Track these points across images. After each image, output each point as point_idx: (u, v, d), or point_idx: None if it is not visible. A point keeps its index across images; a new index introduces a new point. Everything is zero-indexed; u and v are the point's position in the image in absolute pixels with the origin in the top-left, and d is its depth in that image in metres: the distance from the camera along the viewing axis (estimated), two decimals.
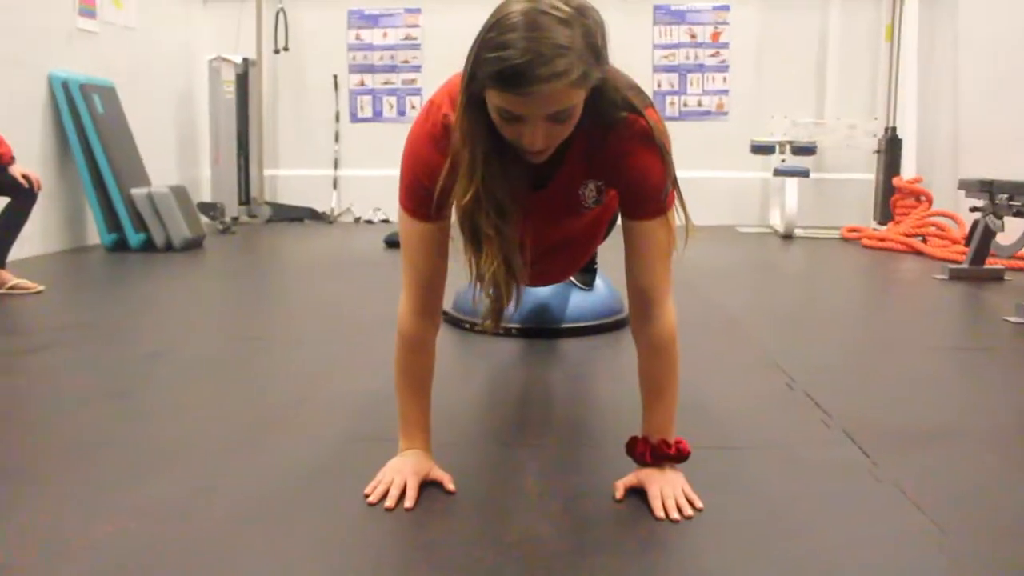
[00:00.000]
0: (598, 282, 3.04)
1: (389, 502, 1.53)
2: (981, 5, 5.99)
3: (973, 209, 4.19)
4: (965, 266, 4.30)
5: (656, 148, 1.56)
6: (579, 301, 2.94)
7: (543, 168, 1.50)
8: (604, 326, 2.91)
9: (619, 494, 1.58)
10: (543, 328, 2.85)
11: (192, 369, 2.54)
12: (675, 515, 1.50)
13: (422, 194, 1.56)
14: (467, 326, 2.96)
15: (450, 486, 1.60)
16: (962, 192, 4.35)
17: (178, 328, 3.18)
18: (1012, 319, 3.19)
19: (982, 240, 4.17)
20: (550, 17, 1.26)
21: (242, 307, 3.77)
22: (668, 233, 1.64)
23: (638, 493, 1.58)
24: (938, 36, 6.52)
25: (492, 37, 1.28)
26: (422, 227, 1.62)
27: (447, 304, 3.18)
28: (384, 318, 3.25)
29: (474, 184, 1.44)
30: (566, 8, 1.28)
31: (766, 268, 5.13)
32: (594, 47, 1.32)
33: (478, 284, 1.56)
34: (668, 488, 1.56)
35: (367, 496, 1.55)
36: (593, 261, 3.01)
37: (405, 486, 1.56)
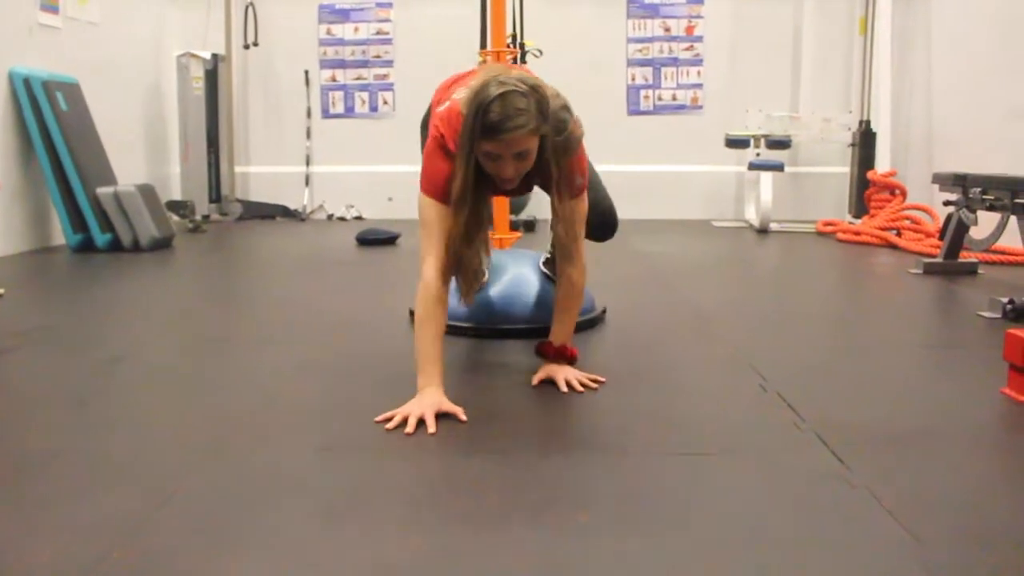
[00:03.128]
0: None
1: (408, 428, 1.90)
2: (954, 2, 5.98)
3: (947, 203, 4.18)
4: (939, 260, 4.29)
5: (581, 155, 2.29)
6: (546, 298, 2.88)
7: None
8: (576, 326, 2.86)
9: (535, 381, 2.29)
10: (510, 328, 2.79)
11: (154, 374, 2.47)
12: (579, 388, 2.23)
13: (442, 187, 2.18)
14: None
15: (462, 417, 1.99)
16: (936, 185, 4.34)
17: (142, 331, 3.11)
18: (985, 314, 3.18)
19: (956, 234, 4.16)
20: (513, 92, 2.01)
21: (209, 308, 3.69)
22: (583, 208, 2.34)
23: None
24: (911, 30, 6.52)
25: (480, 108, 2.00)
26: (441, 207, 2.21)
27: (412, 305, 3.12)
28: (354, 318, 3.21)
29: (462, 210, 2.15)
30: (524, 86, 2.02)
31: (741, 263, 5.11)
32: (543, 111, 2.05)
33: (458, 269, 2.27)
34: (570, 374, 2.28)
35: (384, 423, 1.93)
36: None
37: (423, 417, 1.95)
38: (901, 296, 3.85)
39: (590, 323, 2.96)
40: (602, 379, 2.29)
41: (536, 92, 2.04)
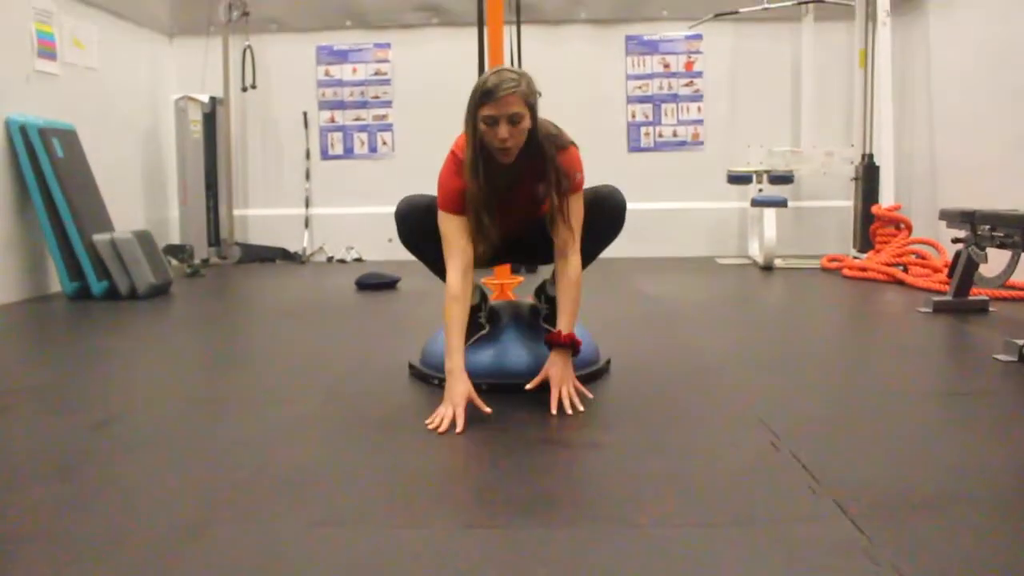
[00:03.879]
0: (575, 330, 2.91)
1: (442, 428, 2.36)
2: (952, 33, 5.96)
3: (956, 240, 4.10)
4: (949, 298, 4.20)
5: (573, 155, 2.66)
6: (546, 354, 2.79)
7: (514, 176, 2.61)
8: (578, 377, 2.77)
9: (533, 384, 2.61)
10: (513, 383, 2.70)
11: (142, 439, 2.38)
12: (568, 409, 2.51)
13: (456, 201, 2.60)
14: (436, 382, 2.81)
15: (486, 409, 2.45)
16: (942, 217, 4.26)
17: (134, 388, 3.03)
18: (1001, 357, 3.09)
19: (965, 271, 4.08)
20: (506, 71, 2.52)
21: (203, 361, 3.61)
22: (580, 205, 2.68)
23: None
24: (911, 63, 6.48)
25: (479, 84, 2.49)
26: (457, 218, 2.62)
27: (415, 358, 3.04)
28: (352, 373, 3.12)
29: (475, 179, 2.55)
30: (515, 72, 2.52)
31: (746, 304, 5.02)
32: (531, 90, 2.51)
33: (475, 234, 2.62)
34: (565, 388, 2.57)
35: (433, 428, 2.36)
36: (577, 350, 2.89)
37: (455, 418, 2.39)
38: (912, 337, 3.76)
39: (595, 375, 2.87)
40: (590, 395, 2.64)
41: (524, 75, 2.52)
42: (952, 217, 4.08)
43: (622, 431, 2.35)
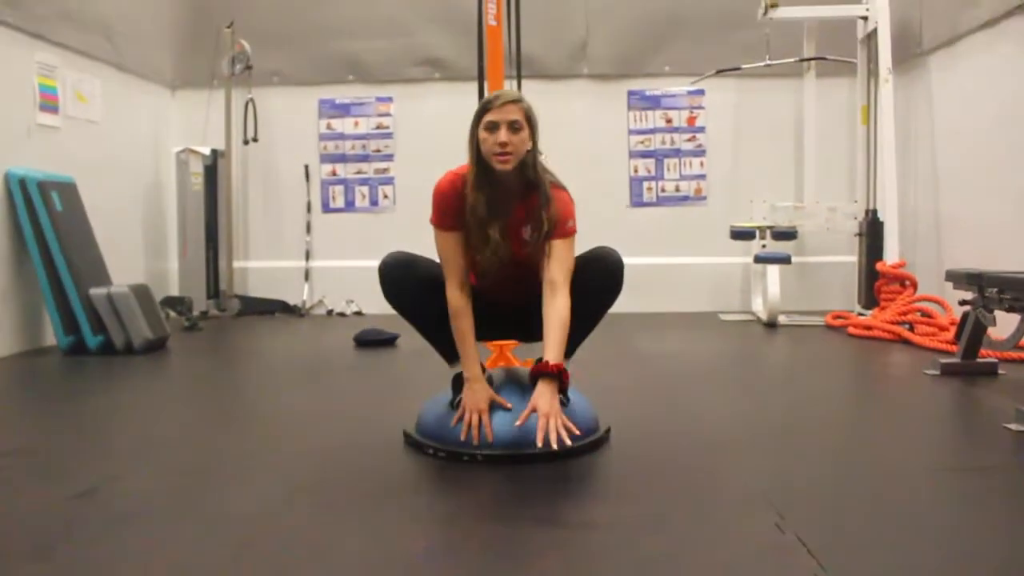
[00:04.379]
0: (572, 397, 2.83)
1: (472, 433, 2.63)
2: (955, 89, 5.95)
3: (963, 302, 4.03)
4: (957, 360, 4.12)
5: (568, 199, 2.81)
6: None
7: (509, 203, 2.74)
8: (578, 449, 2.69)
9: (521, 420, 2.61)
10: (512, 455, 2.63)
11: (125, 514, 2.30)
12: (554, 444, 2.52)
13: (449, 214, 2.74)
14: (430, 452, 2.73)
15: (508, 405, 2.71)
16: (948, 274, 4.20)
17: (122, 453, 2.95)
18: (1012, 427, 3.01)
19: (973, 334, 4.01)
20: (510, 91, 2.87)
21: (195, 424, 3.53)
22: (571, 250, 2.78)
23: None
24: (914, 119, 6.47)
25: (483, 101, 2.74)
26: (451, 234, 2.76)
27: (409, 428, 2.95)
28: (347, 439, 3.02)
29: (478, 193, 2.69)
30: (518, 93, 2.90)
31: (750, 365, 4.93)
32: (532, 113, 2.71)
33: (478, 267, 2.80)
34: (552, 420, 2.57)
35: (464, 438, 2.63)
36: (565, 381, 2.82)
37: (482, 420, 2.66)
38: (920, 404, 3.67)
39: (595, 445, 2.79)
40: (577, 431, 2.63)
41: (527, 103, 2.72)
42: (959, 279, 4.02)
43: (621, 509, 2.26)
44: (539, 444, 2.52)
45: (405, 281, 2.81)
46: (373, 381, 4.37)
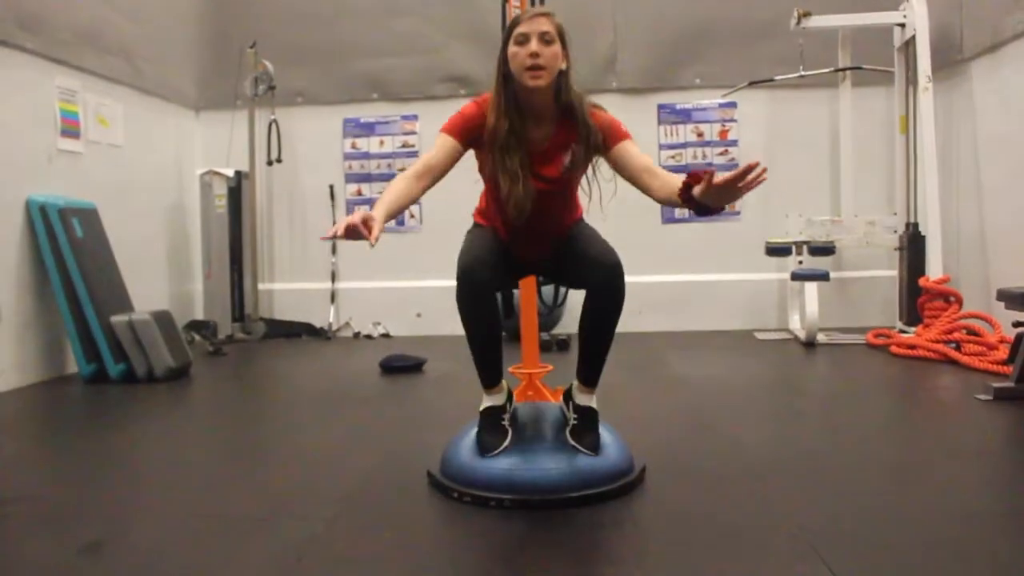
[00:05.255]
0: (604, 437, 2.67)
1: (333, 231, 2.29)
2: (998, 96, 5.72)
3: (1016, 324, 3.83)
4: (1011, 385, 3.91)
5: (610, 115, 2.68)
6: (580, 463, 2.56)
7: (543, 135, 2.64)
8: (611, 492, 2.53)
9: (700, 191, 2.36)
10: (541, 500, 2.47)
11: (132, 568, 2.17)
12: (763, 174, 2.27)
13: (460, 126, 2.64)
14: (455, 495, 2.58)
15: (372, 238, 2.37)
16: (994, 284, 3.99)
17: (135, 497, 2.83)
18: None
19: None
20: (542, 10, 2.64)
21: (213, 462, 3.40)
22: (637, 147, 2.66)
23: None
24: (955, 128, 6.25)
25: (511, 21, 2.64)
26: (447, 139, 2.64)
27: (433, 467, 2.80)
28: (368, 481, 2.86)
29: (502, 118, 2.59)
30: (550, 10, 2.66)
31: (789, 389, 4.71)
32: (565, 30, 2.59)
33: (503, 200, 2.62)
34: (752, 169, 2.25)
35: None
36: (596, 421, 2.66)
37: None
38: (974, 435, 3.45)
39: (628, 488, 2.62)
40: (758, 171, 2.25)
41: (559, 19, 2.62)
42: (1012, 299, 3.82)
43: (656, 563, 2.10)
44: (760, 177, 2.23)
45: (485, 288, 2.61)
46: (398, 411, 4.22)
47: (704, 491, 2.70)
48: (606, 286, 2.58)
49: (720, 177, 2.29)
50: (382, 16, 7.09)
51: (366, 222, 2.29)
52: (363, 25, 7.13)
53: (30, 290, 5.07)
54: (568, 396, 2.78)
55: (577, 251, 2.70)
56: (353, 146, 7.25)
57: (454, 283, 2.60)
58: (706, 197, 2.35)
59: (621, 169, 2.63)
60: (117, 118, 6.08)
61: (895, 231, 6.37)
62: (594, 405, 2.73)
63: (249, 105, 6.96)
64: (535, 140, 2.63)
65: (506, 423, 2.72)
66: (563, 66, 2.56)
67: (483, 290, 2.60)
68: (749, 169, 2.23)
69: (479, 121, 2.63)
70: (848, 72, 6.58)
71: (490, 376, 2.75)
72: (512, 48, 2.55)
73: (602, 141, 2.61)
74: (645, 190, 2.58)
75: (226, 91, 7.09)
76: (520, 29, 2.54)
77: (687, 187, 2.38)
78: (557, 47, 2.54)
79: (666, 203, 2.56)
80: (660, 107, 7.03)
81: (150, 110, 6.60)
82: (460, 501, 2.56)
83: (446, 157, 2.62)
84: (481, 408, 2.76)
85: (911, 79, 6.22)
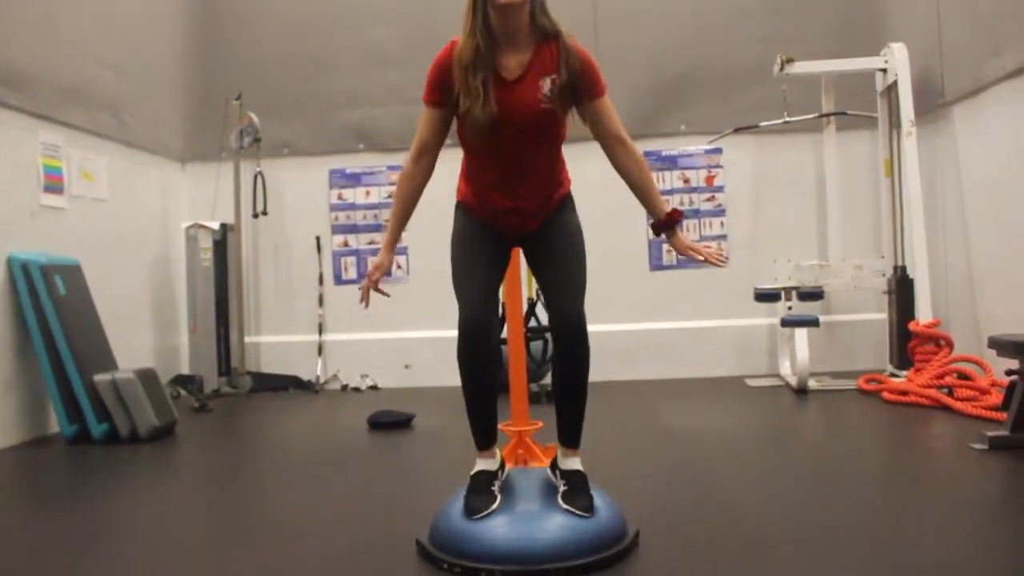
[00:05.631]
0: (597, 500, 2.62)
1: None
2: (981, 139, 5.74)
3: (1009, 372, 3.80)
4: (1006, 433, 3.87)
5: (588, 53, 2.64)
6: (569, 531, 2.49)
7: (517, 62, 2.60)
8: (605, 560, 2.46)
9: (681, 250, 2.74)
10: (530, 571, 2.40)
11: None
12: (723, 264, 2.74)
13: (434, 83, 2.66)
14: (444, 566, 2.51)
15: (386, 293, 2.78)
16: (985, 327, 3.96)
17: (115, 572, 2.74)
18: None
19: (1022, 406, 3.76)
20: None
21: (193, 531, 3.31)
22: (612, 107, 2.69)
23: None
24: (939, 170, 6.27)
25: None
26: (431, 111, 2.69)
27: (423, 535, 2.73)
28: (352, 552, 2.78)
29: (469, 39, 2.57)
30: None
31: (783, 441, 4.61)
32: None
33: (462, 120, 2.65)
34: (706, 249, 2.73)
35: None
36: (586, 484, 2.61)
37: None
38: (972, 488, 3.38)
39: (621, 556, 2.56)
40: (724, 259, 2.73)
41: None
42: (1004, 347, 3.79)
43: None
44: (717, 262, 2.69)
45: (484, 347, 2.65)
46: (387, 473, 4.13)
47: (701, 559, 2.63)
48: (567, 344, 2.66)
49: (684, 245, 2.71)
50: (367, 67, 7.11)
51: (372, 276, 2.72)
52: (348, 76, 7.15)
53: (11, 349, 5.00)
54: (554, 466, 2.75)
55: (549, 257, 2.77)
56: (339, 197, 7.23)
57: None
58: (667, 239, 2.74)
59: (594, 126, 2.70)
60: (101, 172, 6.05)
61: (883, 274, 6.37)
62: (580, 467, 2.70)
63: (235, 157, 6.95)
64: (509, 67, 2.61)
65: (496, 489, 2.66)
66: None
67: (484, 347, 2.63)
68: (711, 257, 2.68)
69: (450, 63, 2.62)
70: (832, 117, 6.61)
71: (484, 438, 2.72)
72: None
73: (586, 82, 2.62)
74: (611, 158, 2.73)
75: (212, 143, 7.08)
76: None
77: (660, 220, 2.73)
78: None
79: (624, 180, 2.76)
80: (646, 154, 6.97)
81: (135, 163, 6.58)
82: (450, 572, 2.49)
83: (435, 131, 2.70)
84: (472, 472, 2.71)
85: (895, 123, 6.26)
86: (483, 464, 2.70)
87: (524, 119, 2.60)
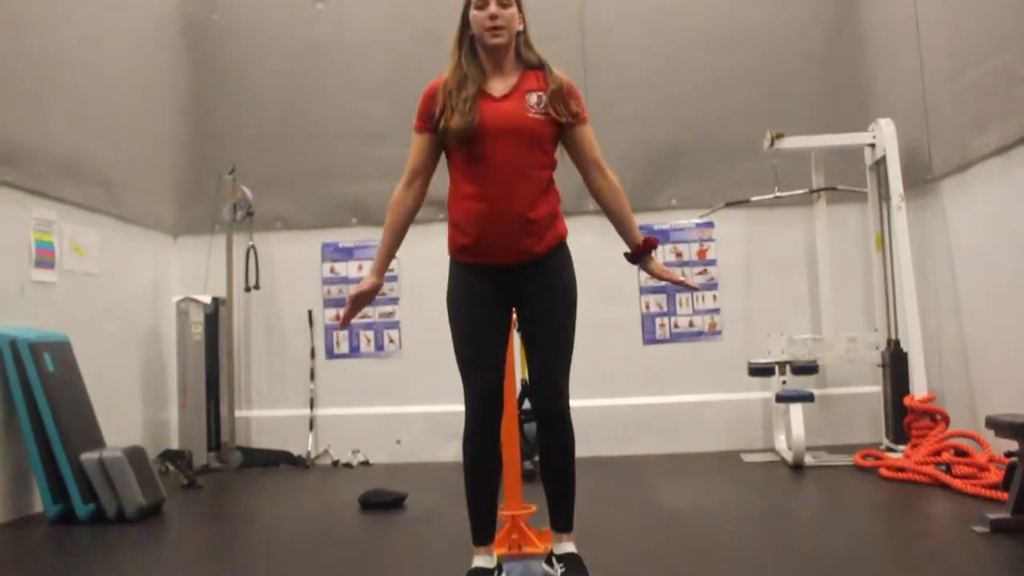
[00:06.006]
0: None
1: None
2: (969, 213, 5.78)
3: (1009, 454, 3.76)
4: (1007, 516, 3.81)
5: (571, 81, 2.85)
6: None
7: (504, 85, 2.78)
8: None
9: (658, 276, 3.01)
10: None
11: None
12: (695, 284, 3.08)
13: (424, 112, 2.81)
14: None
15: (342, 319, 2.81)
16: (981, 401, 3.93)
17: None
18: None
19: (1023, 488, 3.71)
20: None
21: None
22: (592, 134, 2.88)
23: None
24: (930, 243, 6.30)
25: None
26: (420, 137, 2.81)
27: None
28: None
29: (455, 70, 2.77)
30: None
31: (781, 523, 4.48)
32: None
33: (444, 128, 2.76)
34: (680, 273, 3.23)
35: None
36: (582, 566, 2.57)
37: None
38: (974, 575, 3.34)
39: None
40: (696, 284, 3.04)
41: None
42: (1002, 428, 3.76)
43: None
44: (692, 284, 2.94)
45: (494, 431, 2.76)
46: (378, 558, 4.03)
47: None
48: (552, 434, 2.75)
49: (659, 270, 2.94)
50: (361, 141, 7.16)
51: (356, 299, 2.77)
52: (341, 150, 7.20)
53: None
54: (549, 560, 2.72)
55: (539, 322, 2.83)
56: (332, 270, 7.22)
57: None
58: (642, 266, 2.94)
59: (574, 151, 2.87)
60: (93, 246, 6.04)
61: (877, 347, 6.36)
62: (575, 551, 2.68)
63: (228, 230, 6.96)
64: (496, 88, 2.78)
65: None
66: (520, 26, 2.79)
67: (494, 432, 2.75)
68: (686, 281, 2.90)
69: (435, 89, 2.83)
70: (823, 192, 6.67)
71: (482, 534, 2.69)
72: (473, 12, 2.74)
73: (571, 105, 2.80)
74: (589, 184, 2.90)
75: (204, 216, 7.09)
76: None
77: (637, 246, 2.92)
78: (514, 9, 2.76)
79: (601, 205, 2.92)
80: (638, 228, 7.04)
81: (127, 236, 6.58)
82: None
83: (426, 157, 2.82)
84: (469, 569, 2.66)
85: (884, 196, 6.31)
86: (480, 561, 2.66)
87: (512, 127, 2.74)
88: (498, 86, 2.78)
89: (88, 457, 4.93)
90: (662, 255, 7.04)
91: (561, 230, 2.92)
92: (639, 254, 2.88)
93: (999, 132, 5.23)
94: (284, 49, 7.34)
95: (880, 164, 6.28)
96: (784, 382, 6.13)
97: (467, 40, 2.79)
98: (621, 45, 7.11)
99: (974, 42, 5.51)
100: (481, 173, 2.73)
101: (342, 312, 2.81)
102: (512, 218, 2.72)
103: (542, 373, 2.75)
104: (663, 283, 6.82)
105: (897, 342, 6.22)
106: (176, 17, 7.35)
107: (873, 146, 6.31)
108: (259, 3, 7.39)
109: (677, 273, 2.86)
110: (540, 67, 2.82)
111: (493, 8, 2.70)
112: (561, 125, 2.80)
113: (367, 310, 6.97)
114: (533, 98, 2.76)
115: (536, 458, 5.83)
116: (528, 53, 2.82)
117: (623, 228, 2.91)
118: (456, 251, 2.84)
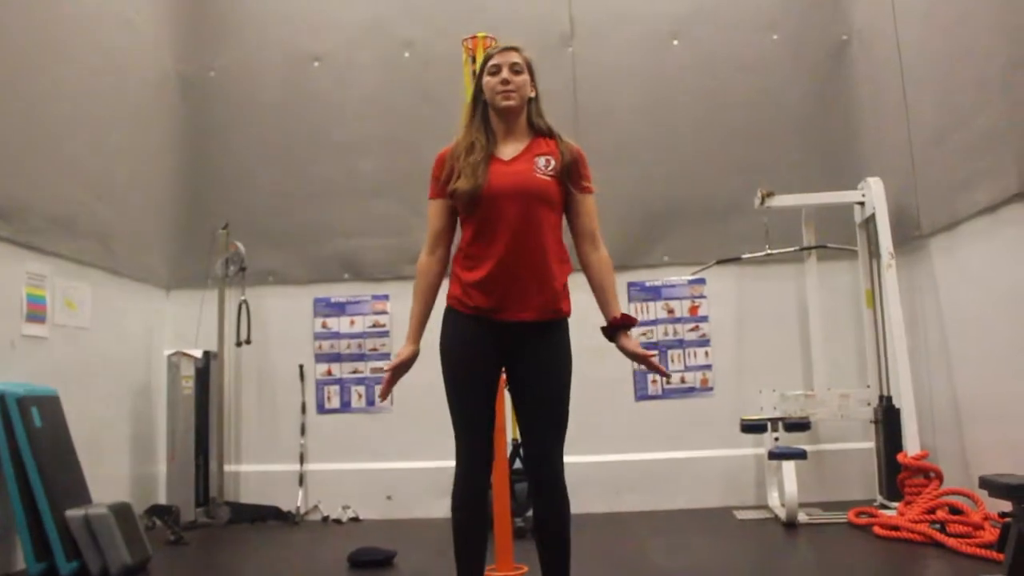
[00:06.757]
0: None
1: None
2: (958, 271, 5.81)
3: (1004, 515, 3.73)
4: None
5: (582, 151, 2.99)
6: None
7: (514, 149, 2.89)
8: None
9: (639, 360, 2.91)
10: None
11: None
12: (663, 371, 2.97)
13: (437, 178, 2.90)
14: None
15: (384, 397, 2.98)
16: (973, 457, 3.91)
17: None
18: None
19: (1019, 550, 3.68)
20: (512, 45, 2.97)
21: None
22: (595, 206, 2.96)
23: None
24: (920, 301, 6.32)
25: (485, 56, 2.98)
26: (436, 203, 2.91)
27: None
28: None
29: (467, 132, 2.89)
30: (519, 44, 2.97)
31: None
32: (532, 64, 2.94)
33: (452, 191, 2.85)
34: (654, 357, 2.93)
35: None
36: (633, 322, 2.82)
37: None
38: None
39: None
40: (667, 373, 3.01)
41: (527, 55, 2.96)
42: (996, 489, 3.72)
43: None
44: (665, 372, 2.96)
45: (484, 493, 2.80)
46: None
47: None
48: (546, 501, 2.74)
49: (632, 350, 2.86)
50: (353, 197, 7.22)
51: (395, 370, 2.94)
52: (335, 206, 7.24)
53: None
54: None
55: (533, 384, 2.84)
56: (323, 325, 7.21)
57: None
58: (616, 342, 2.90)
59: (574, 220, 2.95)
60: (85, 300, 6.03)
61: (869, 404, 6.36)
62: None
63: (220, 285, 6.96)
64: (505, 152, 2.89)
65: None
66: (532, 94, 2.92)
67: (483, 494, 2.78)
68: (658, 367, 2.88)
69: (444, 157, 2.94)
70: (813, 248, 6.71)
71: None
72: (486, 78, 2.88)
73: (580, 173, 2.92)
74: (580, 253, 2.96)
75: (197, 271, 7.10)
76: (493, 61, 2.88)
77: (613, 319, 2.88)
78: (526, 76, 2.89)
79: (587, 275, 2.95)
80: (629, 285, 7.07)
81: (120, 290, 6.56)
82: None
83: (443, 222, 2.91)
84: None
85: (874, 254, 6.36)
86: None
87: (520, 189, 2.80)
88: (508, 150, 2.89)
89: (73, 514, 4.87)
90: (654, 311, 7.07)
91: (567, 308, 2.95)
92: (615, 328, 2.87)
93: (986, 191, 5.28)
94: (279, 106, 7.42)
95: (870, 222, 6.34)
96: (777, 438, 6.10)
97: (480, 108, 2.91)
98: (613, 106, 7.22)
99: (960, 103, 5.59)
100: (491, 234, 2.78)
101: (380, 387, 2.96)
102: (523, 274, 2.80)
103: (538, 443, 2.76)
104: (655, 339, 6.99)
105: (889, 398, 6.22)
106: (172, 73, 7.44)
107: (863, 204, 6.38)
108: (256, 60, 7.49)
109: (652, 356, 2.86)
110: (551, 135, 2.93)
111: (505, 74, 2.83)
112: (568, 191, 2.89)
113: (358, 364, 7.05)
114: (542, 161, 2.85)
115: (527, 514, 5.83)
116: (539, 121, 2.94)
117: (605, 300, 2.93)
118: (458, 303, 2.87)
